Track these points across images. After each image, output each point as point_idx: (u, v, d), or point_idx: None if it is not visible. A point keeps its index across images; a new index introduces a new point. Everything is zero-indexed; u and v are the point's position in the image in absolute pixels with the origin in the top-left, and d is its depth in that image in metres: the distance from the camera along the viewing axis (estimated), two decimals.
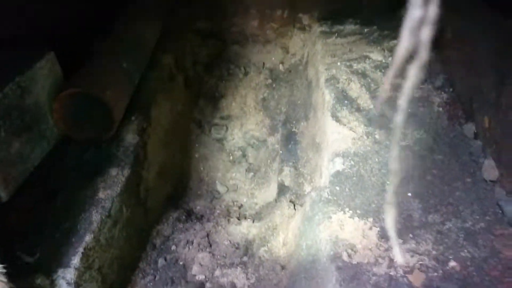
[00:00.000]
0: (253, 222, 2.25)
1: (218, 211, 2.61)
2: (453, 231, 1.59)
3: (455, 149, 1.97)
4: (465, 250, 1.51)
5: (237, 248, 2.11)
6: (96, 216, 1.63)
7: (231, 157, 2.94)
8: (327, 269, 1.48)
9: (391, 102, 1.94)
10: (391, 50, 2.83)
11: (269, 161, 2.82)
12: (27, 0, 1.90)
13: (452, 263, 1.45)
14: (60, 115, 1.86)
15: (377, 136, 2.07)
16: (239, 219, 2.42)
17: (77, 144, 1.94)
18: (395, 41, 2.92)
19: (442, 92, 2.35)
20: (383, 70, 2.61)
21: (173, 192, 2.49)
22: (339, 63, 2.70)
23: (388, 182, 1.82)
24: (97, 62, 2.06)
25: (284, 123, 2.86)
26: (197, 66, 3.29)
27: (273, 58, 3.51)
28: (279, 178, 2.39)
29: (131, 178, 1.89)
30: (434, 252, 1.50)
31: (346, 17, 3.28)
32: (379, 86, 2.45)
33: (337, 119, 2.19)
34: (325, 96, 2.44)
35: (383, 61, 2.71)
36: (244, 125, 2.97)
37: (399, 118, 0.61)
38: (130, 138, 1.99)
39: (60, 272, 1.45)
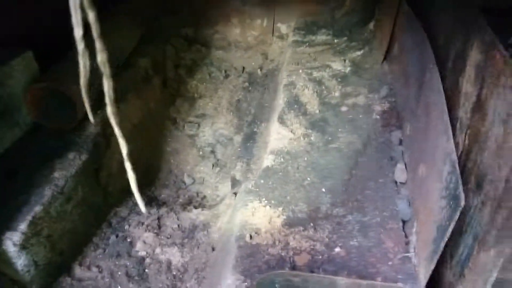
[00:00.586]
0: (202, 210, 2.49)
1: (180, 200, 2.87)
2: (351, 223, 1.79)
3: (379, 153, 2.16)
4: (355, 240, 1.71)
5: (183, 231, 2.36)
6: (48, 191, 1.92)
7: (201, 152, 3.20)
8: (232, 247, 1.71)
9: (336, 108, 2.17)
10: (353, 61, 3.03)
11: (233, 157, 3.06)
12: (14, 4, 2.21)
13: (338, 249, 1.65)
14: (31, 105, 2.16)
15: (312, 138, 2.29)
16: (195, 208, 2.67)
17: (46, 132, 2.23)
18: (358, 52, 3.12)
19: (385, 102, 2.54)
20: (338, 79, 2.82)
21: (140, 180, 2.75)
22: (300, 71, 2.92)
23: (308, 179, 2.03)
24: (71, 61, 2.35)
25: (250, 123, 3.10)
26: (180, 69, 3.57)
27: (253, 63, 3.75)
28: (232, 173, 2.63)
29: (88, 163, 2.17)
30: (326, 240, 1.71)
31: (321, 28, 3.50)
32: (330, 93, 2.66)
33: (281, 121, 2.41)
34: (279, 100, 2.66)
35: (342, 70, 2.92)
36: (215, 124, 3.22)
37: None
38: (92, 128, 2.27)
39: (8, 234, 1.73)
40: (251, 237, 1.71)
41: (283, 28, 3.59)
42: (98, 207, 2.32)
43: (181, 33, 3.70)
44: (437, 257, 1.29)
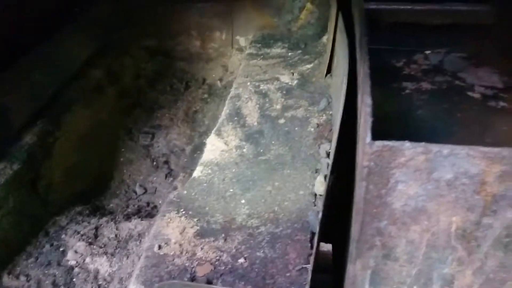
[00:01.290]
0: (141, 220, 2.53)
1: (129, 210, 2.91)
2: (262, 234, 1.83)
3: (305, 165, 2.20)
4: (262, 251, 1.74)
5: (118, 241, 2.40)
6: None
7: (154, 163, 3.24)
8: (141, 257, 1.75)
9: (274, 120, 2.22)
10: (301, 74, 3.08)
11: (185, 168, 3.11)
12: None
13: (242, 260, 1.69)
14: None
15: (244, 150, 2.33)
16: (140, 217, 2.71)
17: None
18: (308, 66, 3.18)
19: (323, 114, 2.58)
20: (284, 92, 2.87)
21: (87, 190, 2.81)
22: (248, 83, 2.98)
23: (231, 190, 2.07)
24: (15, 72, 2.42)
25: (201, 134, 3.15)
26: (140, 80, 3.63)
27: (213, 75, 3.81)
28: (174, 183, 2.67)
29: (21, 172, 2.22)
30: (234, 251, 1.74)
31: (277, 41, 3.56)
32: (271, 106, 2.71)
33: (218, 133, 2.46)
34: (222, 112, 2.71)
35: (289, 83, 2.97)
36: (169, 134, 3.28)
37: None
38: (28, 138, 2.32)
39: None
40: (159, 247, 1.75)
41: (241, 40, 3.66)
42: (35, 216, 2.36)
43: (143, 45, 3.77)
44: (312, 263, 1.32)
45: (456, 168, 0.98)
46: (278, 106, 2.70)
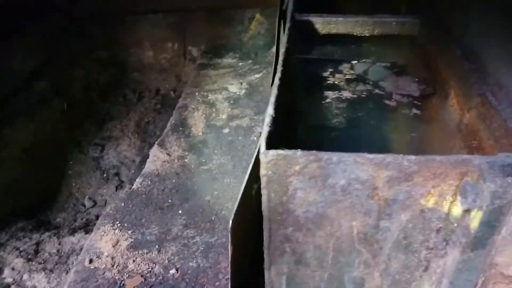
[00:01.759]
0: (85, 234, 2.48)
1: (77, 224, 2.85)
2: (197, 244, 1.83)
3: (245, 174, 2.22)
4: (195, 261, 1.74)
5: (60, 256, 2.35)
6: None
7: (105, 175, 3.20)
8: (70, 272, 1.72)
9: (219, 130, 2.22)
10: (250, 83, 3.12)
11: (132, 180, 3.07)
12: None
13: (173, 271, 1.69)
14: None
15: (187, 160, 2.34)
16: (86, 232, 2.66)
17: None
18: (257, 75, 3.22)
19: None
20: (231, 101, 2.90)
21: (31, 204, 2.74)
22: (197, 93, 2.99)
23: (169, 201, 2.07)
24: None
25: (152, 145, 3.13)
26: (90, 91, 3.59)
27: (167, 85, 3.81)
28: (120, 195, 2.64)
29: None
30: (166, 262, 1.74)
31: (229, 51, 3.60)
32: (218, 115, 2.73)
33: (161, 144, 2.46)
34: (167, 123, 2.71)
35: (237, 92, 3.00)
36: (119, 146, 3.24)
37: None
38: None
39: None
40: (90, 261, 1.72)
41: (194, 51, 3.68)
42: None
43: (94, 56, 3.73)
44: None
45: (347, 175, 1.02)
46: (224, 116, 2.72)
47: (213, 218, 1.96)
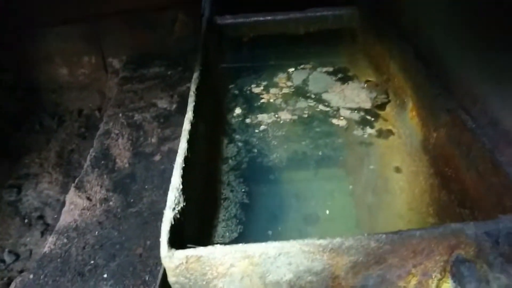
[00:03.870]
0: None
1: None
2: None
3: None
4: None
5: None
6: None
7: (26, 220, 2.73)
8: None
9: (149, 157, 1.81)
10: (181, 95, 2.75)
11: None
12: None
13: None
14: None
15: (111, 203, 1.96)
16: None
17: None
18: (188, 84, 2.84)
19: None
20: (161, 120, 2.52)
21: None
22: (120, 114, 2.59)
23: (92, 262, 1.69)
24: None
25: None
26: (1, 121, 3.07)
27: (90, 104, 3.35)
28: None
29: None
30: None
31: (155, 59, 3.19)
32: (146, 140, 2.35)
33: (79, 186, 2.06)
34: (88, 156, 2.30)
35: (167, 108, 2.63)
36: (39, 184, 2.78)
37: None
38: None
39: None
40: None
41: (115, 62, 3.24)
42: None
43: None
44: None
45: (294, 267, 0.71)
46: (154, 139, 2.35)
47: (147, 278, 1.61)
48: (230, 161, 1.23)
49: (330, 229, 1.11)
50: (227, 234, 1.00)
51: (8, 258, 2.57)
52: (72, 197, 2.01)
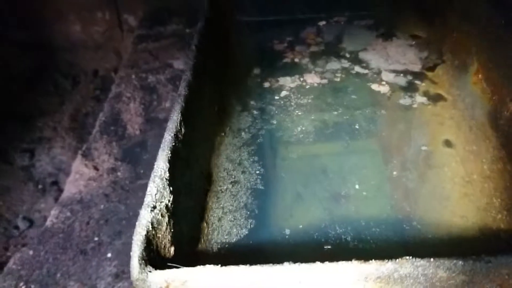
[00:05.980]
0: None
1: (9, 253, 2.32)
2: None
3: None
4: None
5: None
6: None
7: (40, 186, 2.63)
8: None
9: (163, 124, 1.62)
10: None
11: None
12: None
13: None
14: None
15: (119, 174, 1.79)
16: None
17: None
18: None
19: None
20: (176, 82, 2.31)
21: None
22: (133, 76, 2.39)
23: (96, 238, 1.54)
24: None
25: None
26: (11, 82, 2.94)
27: (106, 65, 3.17)
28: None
29: None
30: None
31: (173, 15, 2.94)
32: (160, 104, 2.15)
33: (87, 154, 1.90)
34: (97, 121, 2.13)
35: (183, 70, 2.40)
36: (52, 149, 2.66)
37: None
38: None
39: None
40: None
41: (130, 19, 3.01)
42: None
43: (10, 38, 3.05)
44: None
45: None
46: (168, 104, 2.15)
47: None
48: (243, 133, 1.01)
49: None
50: (234, 230, 0.80)
51: (22, 225, 2.49)
52: (78, 165, 1.85)
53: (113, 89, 2.34)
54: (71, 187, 1.76)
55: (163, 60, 2.54)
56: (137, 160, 1.87)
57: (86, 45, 3.18)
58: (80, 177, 1.80)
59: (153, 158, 1.85)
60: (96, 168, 1.83)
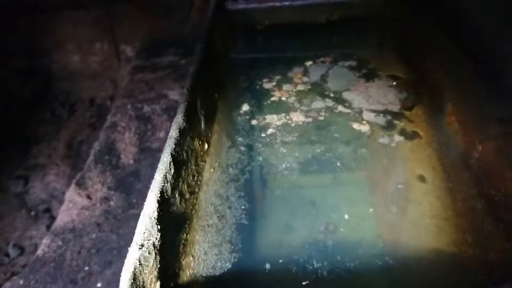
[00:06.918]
0: None
1: None
2: None
3: None
4: None
5: None
6: None
7: (32, 213, 2.64)
8: None
9: (156, 154, 1.67)
10: None
11: None
12: None
13: None
14: None
15: (112, 203, 1.82)
16: None
17: None
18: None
19: None
20: (171, 113, 2.37)
21: None
22: (129, 106, 2.45)
23: (87, 268, 1.56)
24: None
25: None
26: (10, 108, 2.99)
27: (103, 93, 3.23)
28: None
29: None
30: None
31: (169, 47, 3.03)
32: (154, 134, 2.20)
33: (81, 183, 1.93)
34: (92, 150, 2.17)
35: (178, 100, 2.47)
36: (46, 176, 2.69)
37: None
38: None
39: None
40: None
41: (128, 50, 3.10)
42: None
43: (13, 65, 3.12)
44: None
45: None
46: (162, 134, 2.20)
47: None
48: (230, 169, 1.06)
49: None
50: (219, 264, 0.83)
51: (12, 252, 2.49)
52: (72, 194, 1.88)
53: (109, 118, 2.40)
54: (64, 216, 1.79)
55: (159, 91, 2.61)
56: (130, 189, 1.91)
57: (84, 74, 3.26)
58: (73, 206, 1.83)
59: (146, 188, 1.90)
60: (89, 197, 1.87)
